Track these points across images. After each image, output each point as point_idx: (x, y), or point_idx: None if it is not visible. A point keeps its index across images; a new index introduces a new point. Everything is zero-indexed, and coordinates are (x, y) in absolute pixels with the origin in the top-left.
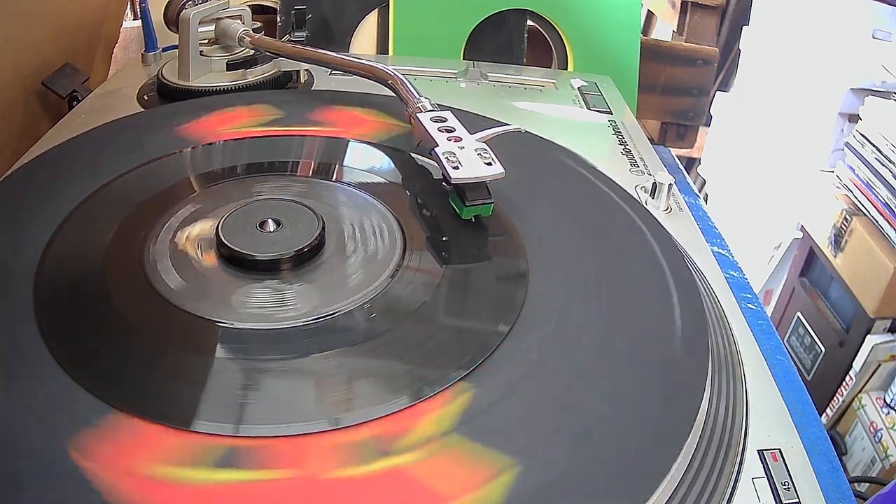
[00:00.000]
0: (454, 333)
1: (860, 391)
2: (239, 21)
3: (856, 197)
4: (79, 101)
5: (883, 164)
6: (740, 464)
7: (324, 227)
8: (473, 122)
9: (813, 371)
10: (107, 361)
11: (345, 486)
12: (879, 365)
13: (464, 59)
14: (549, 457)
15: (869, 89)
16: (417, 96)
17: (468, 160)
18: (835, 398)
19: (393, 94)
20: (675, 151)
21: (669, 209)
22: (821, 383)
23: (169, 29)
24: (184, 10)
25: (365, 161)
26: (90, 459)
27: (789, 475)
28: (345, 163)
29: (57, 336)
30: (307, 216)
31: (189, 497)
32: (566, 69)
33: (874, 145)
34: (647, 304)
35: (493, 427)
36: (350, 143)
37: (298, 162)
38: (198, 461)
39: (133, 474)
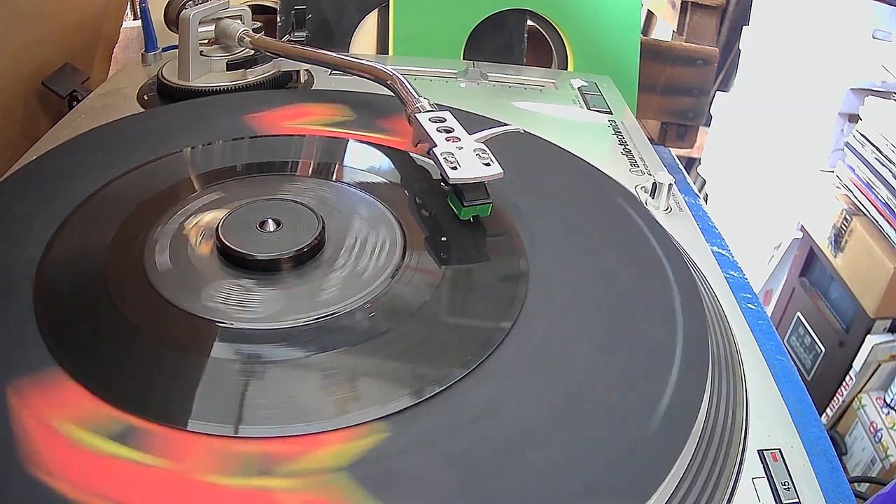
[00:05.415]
0: (454, 333)
1: (860, 391)
2: (239, 21)
3: (856, 197)
4: (79, 101)
5: (883, 164)
6: (740, 464)
7: (324, 227)
8: (473, 121)
9: (813, 371)
10: (107, 361)
11: (210, 492)
12: (879, 365)
13: (464, 59)
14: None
15: (869, 89)
16: (416, 96)
17: (466, 160)
18: (835, 398)
19: (392, 94)
20: (675, 151)
21: (669, 209)
22: (821, 383)
23: (169, 29)
24: (184, 10)
25: (365, 161)
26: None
27: (789, 475)
28: (345, 162)
29: (57, 336)
30: (307, 216)
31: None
32: (566, 69)
33: (874, 145)
34: (647, 304)
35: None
36: (349, 143)
37: (298, 162)
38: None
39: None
